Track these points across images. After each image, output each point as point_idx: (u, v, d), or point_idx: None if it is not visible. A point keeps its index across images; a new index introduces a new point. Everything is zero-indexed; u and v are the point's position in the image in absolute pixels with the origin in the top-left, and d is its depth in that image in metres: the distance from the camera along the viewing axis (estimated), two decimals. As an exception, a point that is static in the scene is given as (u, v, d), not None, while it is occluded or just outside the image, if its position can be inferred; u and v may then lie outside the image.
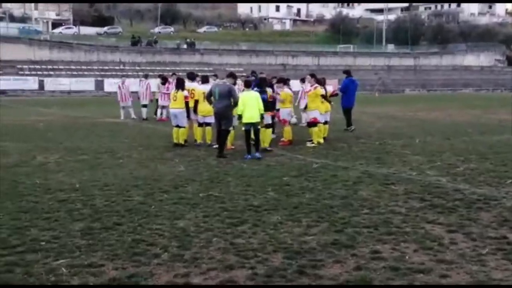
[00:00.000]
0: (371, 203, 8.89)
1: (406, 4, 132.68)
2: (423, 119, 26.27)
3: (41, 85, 58.94)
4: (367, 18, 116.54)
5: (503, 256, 6.39)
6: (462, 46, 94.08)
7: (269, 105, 15.28)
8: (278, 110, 16.43)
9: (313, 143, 15.97)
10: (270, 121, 15.36)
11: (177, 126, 15.75)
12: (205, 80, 16.64)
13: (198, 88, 16.04)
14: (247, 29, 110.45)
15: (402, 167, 12.25)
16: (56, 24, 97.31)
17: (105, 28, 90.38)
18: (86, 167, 12.36)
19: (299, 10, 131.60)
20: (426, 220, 7.92)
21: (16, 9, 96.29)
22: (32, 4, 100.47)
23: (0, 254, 6.41)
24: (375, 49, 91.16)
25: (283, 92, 16.36)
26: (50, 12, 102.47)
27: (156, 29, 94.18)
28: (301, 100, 19.91)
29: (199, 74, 18.55)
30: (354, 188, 10.07)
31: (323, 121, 16.83)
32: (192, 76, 16.83)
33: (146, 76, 28.94)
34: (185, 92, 15.70)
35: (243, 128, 13.94)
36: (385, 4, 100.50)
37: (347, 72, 21.42)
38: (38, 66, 63.03)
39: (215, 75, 17.59)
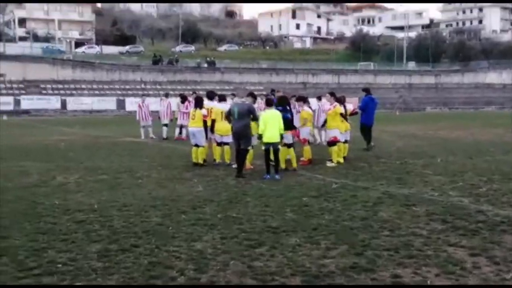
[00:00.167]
0: (391, 225, 8.74)
1: (427, 21, 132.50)
2: (445, 138, 25.98)
3: (64, 104, 59.54)
4: (387, 35, 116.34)
5: (528, 281, 6.21)
6: (484, 64, 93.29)
7: (292, 124, 15.20)
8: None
9: (333, 162, 15.84)
10: (291, 141, 15.24)
11: (196, 145, 15.73)
12: (222, 98, 16.64)
13: (216, 107, 16.03)
14: (267, 48, 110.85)
15: (424, 188, 12.07)
16: (79, 44, 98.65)
17: (127, 47, 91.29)
18: (106, 187, 12.36)
19: (319, 28, 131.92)
20: (448, 243, 7.75)
21: (40, 29, 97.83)
22: (56, 24, 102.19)
23: (17, 276, 6.40)
24: (395, 67, 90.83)
25: (304, 111, 16.29)
26: (73, 32, 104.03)
27: (177, 48, 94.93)
28: (319, 118, 19.78)
29: (219, 93, 18.47)
30: (374, 209, 9.92)
31: (343, 140, 16.70)
32: (211, 95, 16.83)
33: (166, 95, 29.06)
34: (204, 111, 15.70)
35: (262, 148, 13.87)
36: (406, 21, 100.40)
37: (367, 90, 21.30)
38: (60, 86, 63.75)
39: (233, 94, 17.59)
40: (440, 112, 66.56)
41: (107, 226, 8.74)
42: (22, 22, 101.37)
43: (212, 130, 16.00)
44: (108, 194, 11.44)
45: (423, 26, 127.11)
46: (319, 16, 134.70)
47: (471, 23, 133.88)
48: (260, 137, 13.77)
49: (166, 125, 25.92)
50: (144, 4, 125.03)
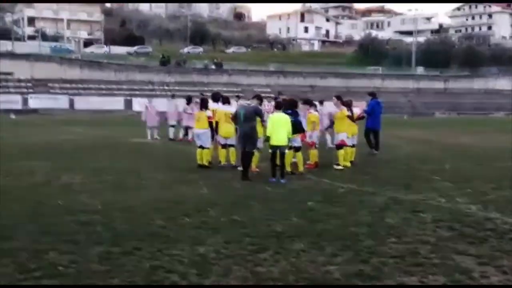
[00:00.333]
0: (398, 232, 8.61)
1: (436, 26, 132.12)
2: (453, 143, 25.80)
3: (72, 103, 59.67)
4: (396, 39, 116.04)
5: (537, 292, 6.08)
6: (494, 70, 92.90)
7: (302, 127, 15.09)
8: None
9: (340, 165, 15.75)
10: (300, 144, 15.13)
11: (201, 147, 15.64)
12: (226, 100, 16.55)
13: (220, 109, 15.96)
14: (275, 50, 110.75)
15: (431, 194, 11.91)
16: (87, 43, 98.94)
17: (135, 48, 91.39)
18: (110, 188, 12.28)
19: (327, 31, 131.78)
20: (456, 250, 7.61)
21: (49, 28, 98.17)
22: (65, 23, 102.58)
23: (17, 278, 6.31)
24: (404, 71, 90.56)
25: (311, 114, 16.17)
26: (82, 32, 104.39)
27: (186, 49, 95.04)
28: (322, 122, 19.61)
29: (225, 95, 18.38)
30: (381, 215, 9.79)
31: (350, 144, 16.59)
32: (216, 97, 16.75)
33: (173, 96, 29.00)
34: (209, 113, 15.61)
35: (269, 151, 13.75)
36: (415, 26, 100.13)
37: (373, 94, 21.19)
38: (68, 85, 63.92)
39: (238, 96, 17.48)
40: (449, 117, 66.25)
41: (109, 228, 8.64)
42: (31, 21, 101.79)
43: (216, 131, 15.90)
44: (112, 195, 11.35)
45: (432, 31, 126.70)
46: (327, 20, 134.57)
47: (480, 29, 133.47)
48: (267, 139, 13.65)
49: (173, 126, 25.88)
50: (153, 5, 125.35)
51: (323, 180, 13.62)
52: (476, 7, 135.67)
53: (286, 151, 13.89)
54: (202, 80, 71.75)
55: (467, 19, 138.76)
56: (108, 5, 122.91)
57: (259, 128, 14.65)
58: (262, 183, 13.08)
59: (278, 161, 13.49)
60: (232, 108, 16.23)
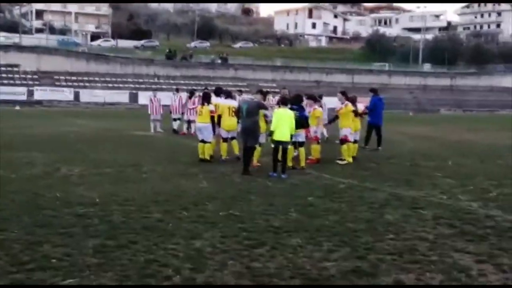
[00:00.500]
0: (397, 228, 8.51)
1: (444, 24, 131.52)
2: (457, 140, 25.64)
3: (77, 96, 59.72)
4: (404, 36, 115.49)
5: (535, 291, 5.97)
6: (500, 67, 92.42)
7: (307, 122, 15.00)
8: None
9: (344, 160, 15.68)
10: (304, 139, 15.05)
11: (203, 141, 15.57)
12: (229, 95, 16.49)
13: (222, 103, 15.89)
14: (282, 46, 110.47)
15: (432, 190, 11.80)
16: (95, 37, 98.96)
17: (142, 42, 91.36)
18: (109, 180, 12.21)
19: (335, 27, 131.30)
20: (455, 248, 7.51)
21: (57, 21, 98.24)
22: (73, 17, 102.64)
23: (9, 271, 6.24)
24: (411, 68, 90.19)
25: (316, 109, 16.08)
26: (90, 25, 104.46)
27: (193, 44, 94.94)
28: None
29: (230, 89, 18.30)
30: (380, 211, 9.69)
31: (352, 139, 16.51)
32: (218, 91, 16.67)
33: (177, 90, 28.93)
34: (211, 107, 15.53)
35: (272, 145, 13.66)
36: (423, 23, 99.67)
37: (374, 91, 21.10)
38: (74, 78, 63.90)
39: (240, 91, 17.41)
40: (454, 114, 65.97)
41: (106, 221, 8.57)
42: (39, 14, 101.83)
43: (219, 125, 15.84)
44: (110, 188, 11.28)
45: (440, 29, 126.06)
46: (335, 16, 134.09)
47: (488, 26, 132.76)
48: (270, 134, 13.56)
49: (179, 119, 25.85)
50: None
51: (324, 175, 13.53)
52: (485, 5, 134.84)
53: (289, 146, 13.79)
54: (208, 75, 71.58)
55: (475, 17, 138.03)
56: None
57: (261, 123, 14.59)
58: (262, 177, 13.00)
59: (280, 156, 13.40)
60: (235, 102, 16.22)
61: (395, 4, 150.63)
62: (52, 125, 29.14)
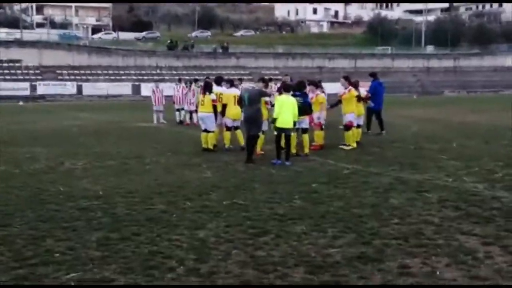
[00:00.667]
0: (402, 212, 8.45)
1: (446, 5, 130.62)
2: (462, 122, 25.52)
3: (79, 89, 59.66)
4: (406, 19, 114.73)
5: (542, 272, 5.90)
6: (504, 47, 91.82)
7: (311, 109, 14.92)
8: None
9: (349, 146, 15.62)
10: (308, 126, 14.98)
11: (205, 130, 15.50)
12: (232, 83, 16.40)
13: (227, 92, 15.80)
14: (284, 32, 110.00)
15: (437, 173, 11.73)
16: (95, 30, 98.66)
17: (144, 33, 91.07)
18: (112, 173, 12.18)
19: (336, 12, 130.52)
20: (461, 231, 7.45)
21: (57, 15, 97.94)
22: (73, 10, 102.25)
23: (12, 266, 6.21)
24: (413, 51, 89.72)
25: (319, 95, 16.00)
26: (90, 18, 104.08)
27: (194, 34, 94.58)
28: None
29: (232, 78, 18.17)
30: (385, 195, 9.63)
31: (355, 124, 16.43)
32: (218, 80, 16.58)
33: (180, 80, 28.82)
34: (213, 96, 15.44)
35: (274, 133, 13.57)
36: (425, 4, 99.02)
37: (374, 75, 20.97)
38: (76, 71, 63.83)
39: (240, 79, 17.32)
40: (458, 96, 65.65)
41: (109, 213, 8.54)
42: (39, 9, 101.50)
43: (223, 115, 15.77)
44: (114, 181, 11.26)
45: (442, 10, 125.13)
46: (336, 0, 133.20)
47: (491, 6, 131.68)
48: (274, 121, 13.47)
49: (182, 109, 25.78)
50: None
51: (328, 161, 13.47)
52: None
53: (292, 133, 13.71)
54: (210, 64, 71.37)
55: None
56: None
57: (263, 111, 14.53)
58: (266, 165, 12.94)
59: (283, 144, 13.33)
60: (239, 91, 16.16)
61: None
62: (55, 119, 29.11)
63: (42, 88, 58.11)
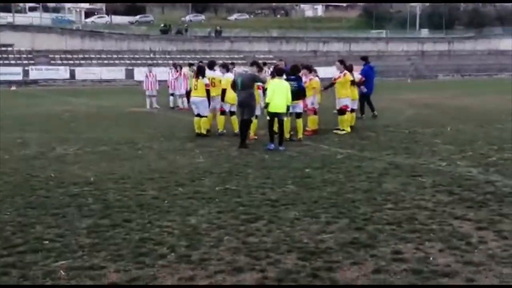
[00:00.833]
0: (396, 197, 8.40)
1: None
2: (456, 106, 25.46)
3: (72, 74, 59.30)
4: (400, 3, 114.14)
5: (537, 257, 5.85)
6: (498, 30, 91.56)
7: (305, 93, 14.81)
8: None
9: (343, 130, 15.54)
10: (302, 110, 14.88)
11: (198, 115, 15.38)
12: (227, 68, 16.25)
13: (225, 76, 15.64)
14: (278, 16, 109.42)
15: (431, 158, 11.68)
16: (88, 14, 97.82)
17: (137, 17, 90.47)
18: (104, 159, 12.07)
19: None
20: (454, 215, 7.40)
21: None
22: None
23: (0, 254, 6.12)
24: (408, 34, 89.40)
25: (313, 80, 15.89)
26: (83, 2, 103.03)
27: (187, 17, 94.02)
28: None
29: (226, 63, 17.99)
30: (379, 180, 9.57)
31: (350, 109, 16.35)
32: (211, 65, 16.43)
33: (174, 65, 28.63)
34: (206, 80, 15.30)
35: (267, 118, 13.46)
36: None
37: (365, 59, 20.84)
38: (69, 56, 63.40)
39: (232, 63, 17.19)
40: (452, 80, 65.68)
41: (101, 199, 8.45)
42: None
43: (222, 99, 15.60)
44: (105, 166, 11.15)
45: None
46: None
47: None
48: (266, 105, 13.36)
49: (173, 94, 25.65)
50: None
51: (321, 146, 13.40)
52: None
53: (285, 118, 13.60)
54: (204, 48, 71.04)
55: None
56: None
57: (257, 95, 14.42)
58: (259, 150, 12.86)
59: (276, 128, 13.23)
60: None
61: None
62: (47, 104, 28.93)
63: (35, 73, 57.75)
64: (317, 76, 17.01)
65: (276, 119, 13.20)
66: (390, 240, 6.47)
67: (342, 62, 16.79)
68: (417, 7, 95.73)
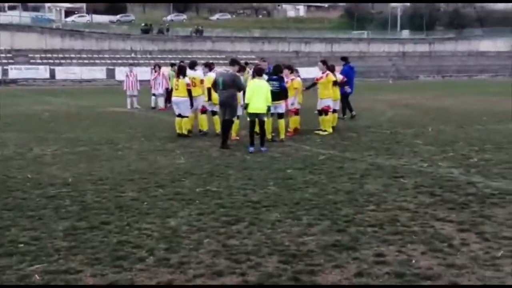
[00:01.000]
0: (377, 199, 8.34)
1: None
2: (437, 106, 25.55)
3: (52, 74, 58.60)
4: (381, 3, 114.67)
5: (519, 259, 5.81)
6: (478, 31, 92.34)
7: (286, 93, 14.70)
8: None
9: (326, 131, 15.48)
10: (284, 110, 14.79)
11: (180, 115, 15.23)
12: (210, 68, 16.10)
13: (207, 76, 15.49)
14: (260, 16, 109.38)
15: (413, 158, 11.66)
16: (69, 13, 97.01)
17: (118, 16, 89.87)
18: (83, 159, 11.89)
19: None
20: (436, 217, 7.36)
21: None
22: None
23: (-28, 258, 5.95)
24: (389, 35, 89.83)
25: (295, 80, 15.81)
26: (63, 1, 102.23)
27: (169, 17, 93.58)
28: None
29: (209, 62, 17.84)
30: (361, 181, 9.51)
31: (332, 109, 16.30)
32: (193, 65, 16.28)
33: (157, 66, 28.43)
34: (187, 80, 15.16)
35: (247, 119, 13.34)
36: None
37: (345, 59, 20.83)
38: (49, 55, 62.69)
39: (212, 63, 17.02)
40: (433, 80, 66.03)
41: (78, 201, 8.29)
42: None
43: (209, 99, 15.43)
44: (84, 167, 10.98)
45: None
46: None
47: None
48: (246, 106, 13.23)
49: (155, 94, 25.44)
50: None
51: (303, 147, 13.33)
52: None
53: (265, 118, 13.49)
54: (185, 48, 70.70)
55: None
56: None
57: (239, 95, 14.30)
58: (241, 151, 12.76)
59: (257, 129, 13.11)
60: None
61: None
62: (27, 104, 28.54)
63: (14, 72, 57.01)
64: (298, 76, 16.94)
65: (257, 120, 13.08)
66: (372, 242, 6.40)
67: (324, 62, 16.72)
68: (398, 8, 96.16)
